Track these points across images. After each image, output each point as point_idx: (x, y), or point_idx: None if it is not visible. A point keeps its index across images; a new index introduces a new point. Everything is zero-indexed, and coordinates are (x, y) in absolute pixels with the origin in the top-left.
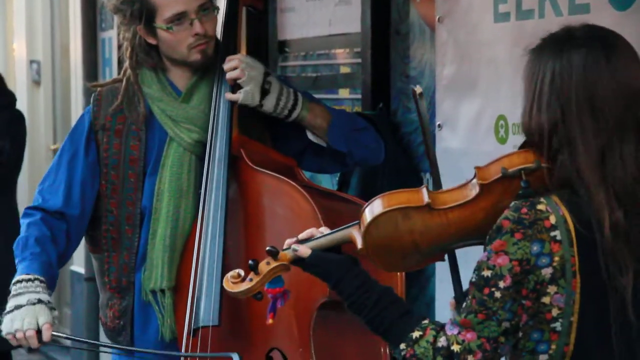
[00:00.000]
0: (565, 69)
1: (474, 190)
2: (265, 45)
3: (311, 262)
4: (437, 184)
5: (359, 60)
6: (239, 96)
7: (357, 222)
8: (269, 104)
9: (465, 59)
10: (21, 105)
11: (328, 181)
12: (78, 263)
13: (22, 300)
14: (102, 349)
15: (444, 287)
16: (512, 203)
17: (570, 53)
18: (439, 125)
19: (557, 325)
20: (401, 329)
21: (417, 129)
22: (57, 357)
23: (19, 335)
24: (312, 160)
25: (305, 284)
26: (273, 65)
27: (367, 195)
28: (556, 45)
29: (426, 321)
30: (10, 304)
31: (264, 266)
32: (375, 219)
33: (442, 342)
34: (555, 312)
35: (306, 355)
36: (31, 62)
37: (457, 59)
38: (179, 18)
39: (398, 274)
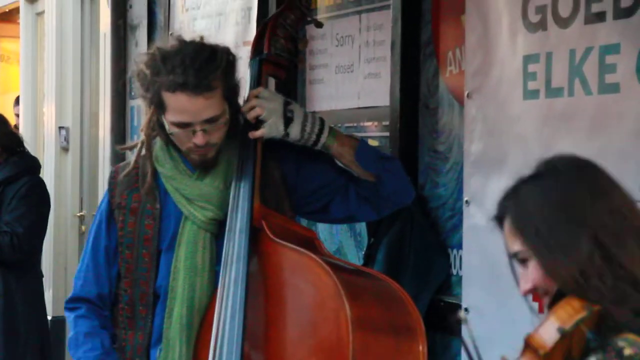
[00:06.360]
0: (573, 192)
1: None
2: None
3: None
4: None
5: (388, 134)
6: (263, 131)
7: None
8: (294, 132)
9: (494, 135)
10: (49, 171)
11: (354, 255)
12: None
13: None
14: None
15: None
16: None
17: (571, 178)
18: (467, 201)
19: None
20: None
21: (445, 204)
22: None
23: None
24: (340, 207)
25: None
26: None
27: (394, 271)
28: (550, 175)
29: None
30: None
31: None
32: None
33: None
34: None
35: None
36: (60, 128)
37: (485, 134)
38: (183, 126)
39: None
